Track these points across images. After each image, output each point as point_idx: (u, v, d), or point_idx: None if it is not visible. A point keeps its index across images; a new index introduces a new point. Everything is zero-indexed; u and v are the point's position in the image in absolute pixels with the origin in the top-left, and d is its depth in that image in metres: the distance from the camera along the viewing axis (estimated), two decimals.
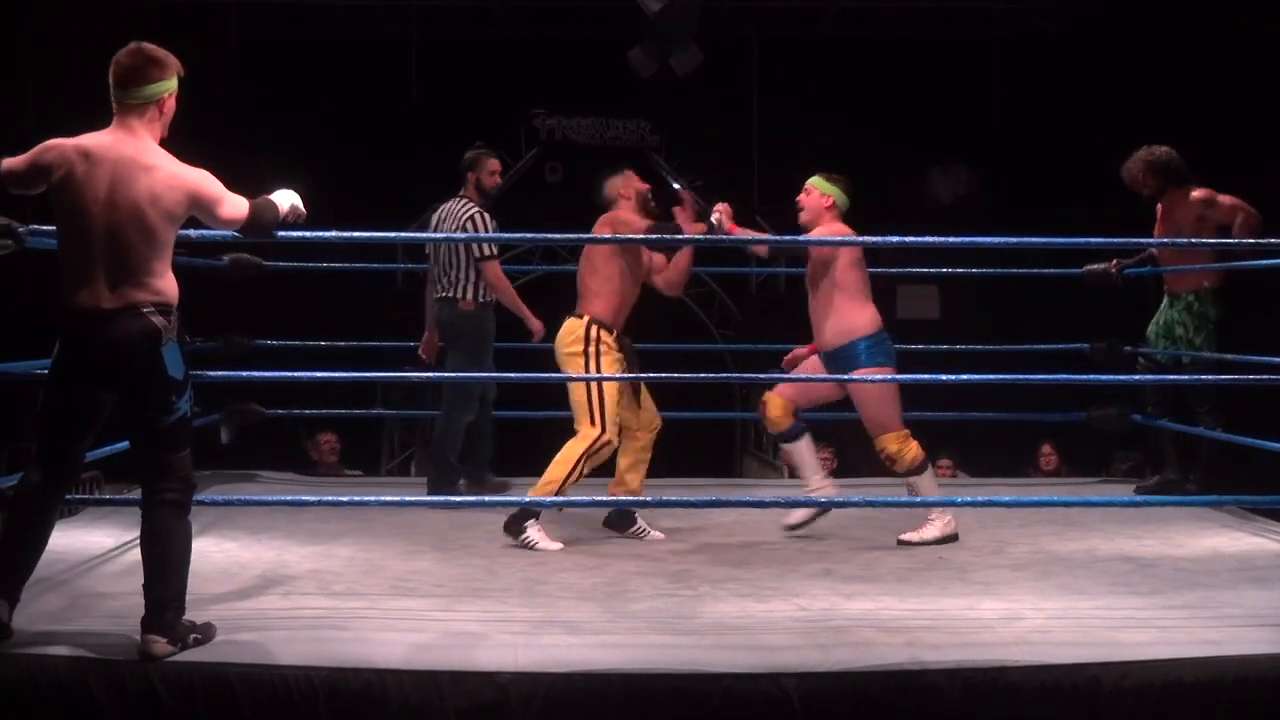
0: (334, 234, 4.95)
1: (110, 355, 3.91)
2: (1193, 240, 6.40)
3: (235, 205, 4.13)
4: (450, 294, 6.68)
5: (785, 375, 6.13)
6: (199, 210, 4.03)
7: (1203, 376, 6.45)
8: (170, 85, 4.03)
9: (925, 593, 4.79)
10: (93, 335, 3.90)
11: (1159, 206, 6.80)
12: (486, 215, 6.71)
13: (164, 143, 4.08)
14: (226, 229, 4.21)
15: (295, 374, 5.67)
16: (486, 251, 6.63)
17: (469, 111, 12.66)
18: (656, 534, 5.87)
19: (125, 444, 4.31)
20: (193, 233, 4.59)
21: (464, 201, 6.77)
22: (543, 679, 3.88)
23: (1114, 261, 7.00)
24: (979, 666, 3.96)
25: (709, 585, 4.89)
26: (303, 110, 12.46)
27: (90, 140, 3.97)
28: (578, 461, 5.64)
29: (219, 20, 12.42)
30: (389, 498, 6.12)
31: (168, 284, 3.98)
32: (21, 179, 4.01)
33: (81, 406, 3.99)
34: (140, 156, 3.94)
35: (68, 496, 4.71)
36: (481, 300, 6.69)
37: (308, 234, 4.83)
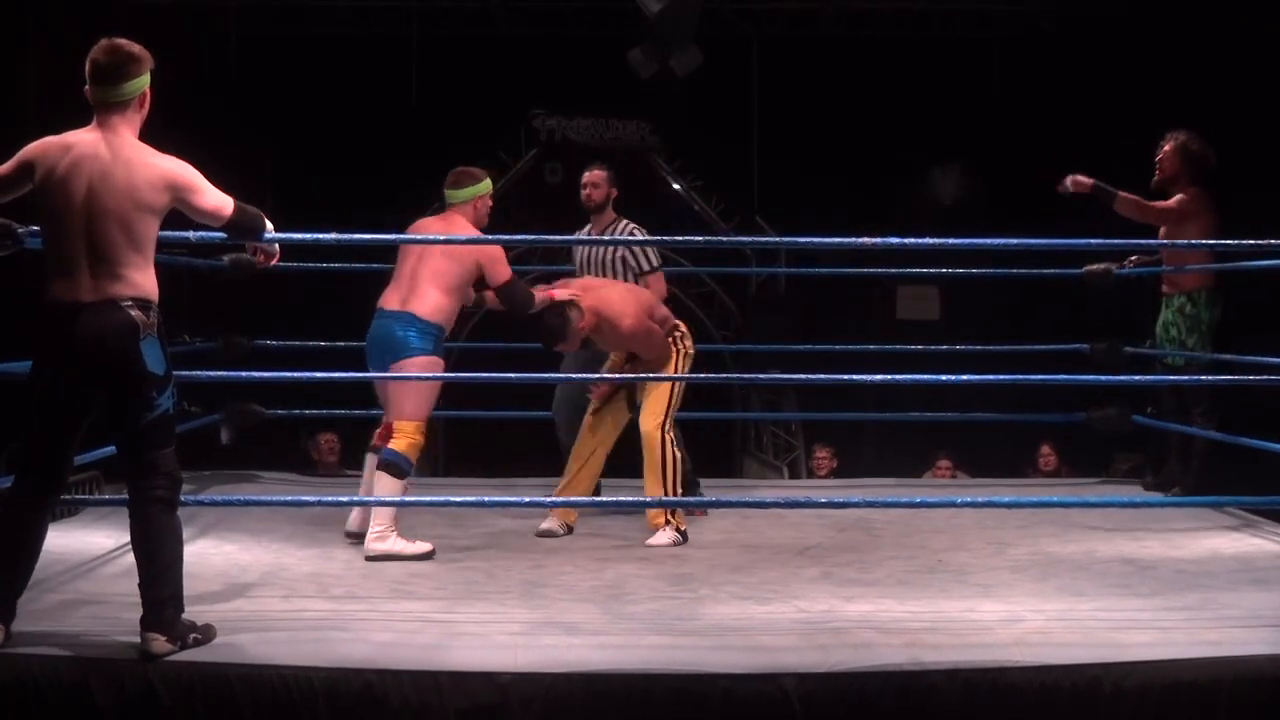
0: (334, 236, 4.95)
1: (88, 348, 3.91)
2: (1187, 242, 6.35)
3: (216, 197, 4.15)
4: None
5: (786, 377, 6.13)
6: (179, 200, 4.04)
7: (1196, 378, 6.43)
8: (147, 79, 4.07)
9: (924, 594, 4.79)
10: (71, 328, 3.91)
11: (1168, 197, 6.73)
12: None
13: (160, 143, 4.10)
14: (209, 222, 4.21)
15: (295, 374, 5.68)
16: (654, 264, 6.59)
17: (469, 111, 12.65)
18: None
19: None
20: (192, 234, 4.60)
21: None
22: (542, 680, 3.89)
23: (1129, 259, 6.96)
24: (979, 668, 3.96)
25: (708, 587, 4.90)
26: (303, 110, 12.45)
27: (72, 138, 4.00)
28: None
29: (219, 20, 12.41)
30: (388, 499, 6.10)
31: (147, 280, 3.99)
32: (8, 184, 4.04)
33: (64, 404, 4.00)
34: (121, 152, 3.96)
35: (65, 498, 4.72)
36: None
37: (309, 236, 4.84)
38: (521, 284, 5.84)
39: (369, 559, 5.35)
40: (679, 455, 5.92)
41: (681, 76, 11.26)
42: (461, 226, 5.73)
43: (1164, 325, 6.75)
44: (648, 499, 5.84)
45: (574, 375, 6.51)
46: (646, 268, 6.55)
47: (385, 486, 5.45)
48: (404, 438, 5.49)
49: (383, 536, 5.40)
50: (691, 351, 6.11)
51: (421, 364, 5.48)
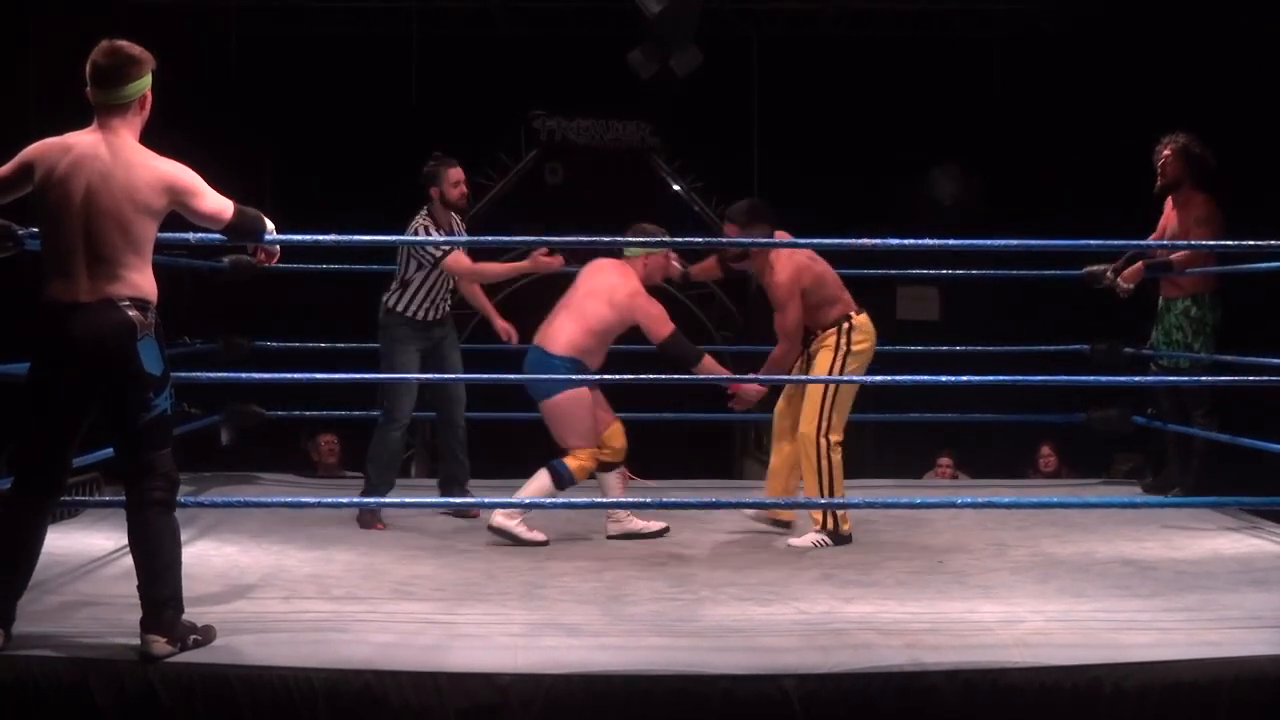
0: (333, 237, 4.95)
1: (85, 348, 3.91)
2: (1187, 243, 6.31)
3: (216, 201, 4.15)
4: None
5: (786, 377, 6.11)
6: (177, 203, 4.05)
7: (1197, 379, 6.41)
8: (148, 81, 4.07)
9: (925, 595, 4.79)
10: (69, 328, 3.91)
11: (1170, 201, 6.70)
12: (431, 226, 6.42)
13: (160, 143, 4.09)
14: (209, 225, 4.21)
15: (295, 375, 5.68)
16: (437, 254, 6.33)
17: (469, 111, 12.64)
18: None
19: None
20: (191, 236, 4.60)
21: (419, 214, 6.50)
22: (542, 681, 3.89)
23: (1115, 266, 6.90)
24: (979, 668, 3.96)
25: (709, 588, 4.90)
26: (303, 110, 12.45)
27: (73, 138, 4.01)
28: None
29: (219, 20, 12.41)
30: (389, 500, 6.11)
31: (146, 280, 3.99)
32: (9, 184, 4.04)
33: (62, 405, 3.99)
34: (120, 154, 3.96)
35: (64, 500, 4.71)
36: (391, 308, 6.42)
37: (308, 238, 4.84)
38: (683, 338, 5.94)
39: (489, 528, 5.72)
40: (836, 460, 5.80)
41: (681, 76, 11.25)
42: (628, 276, 5.93)
43: (1166, 330, 6.71)
44: (648, 500, 5.84)
45: (581, 377, 6.48)
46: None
47: (539, 482, 5.77)
48: (574, 461, 5.82)
49: (511, 515, 5.73)
50: (861, 350, 5.93)
51: (562, 400, 5.79)
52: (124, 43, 4.04)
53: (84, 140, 3.99)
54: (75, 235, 3.92)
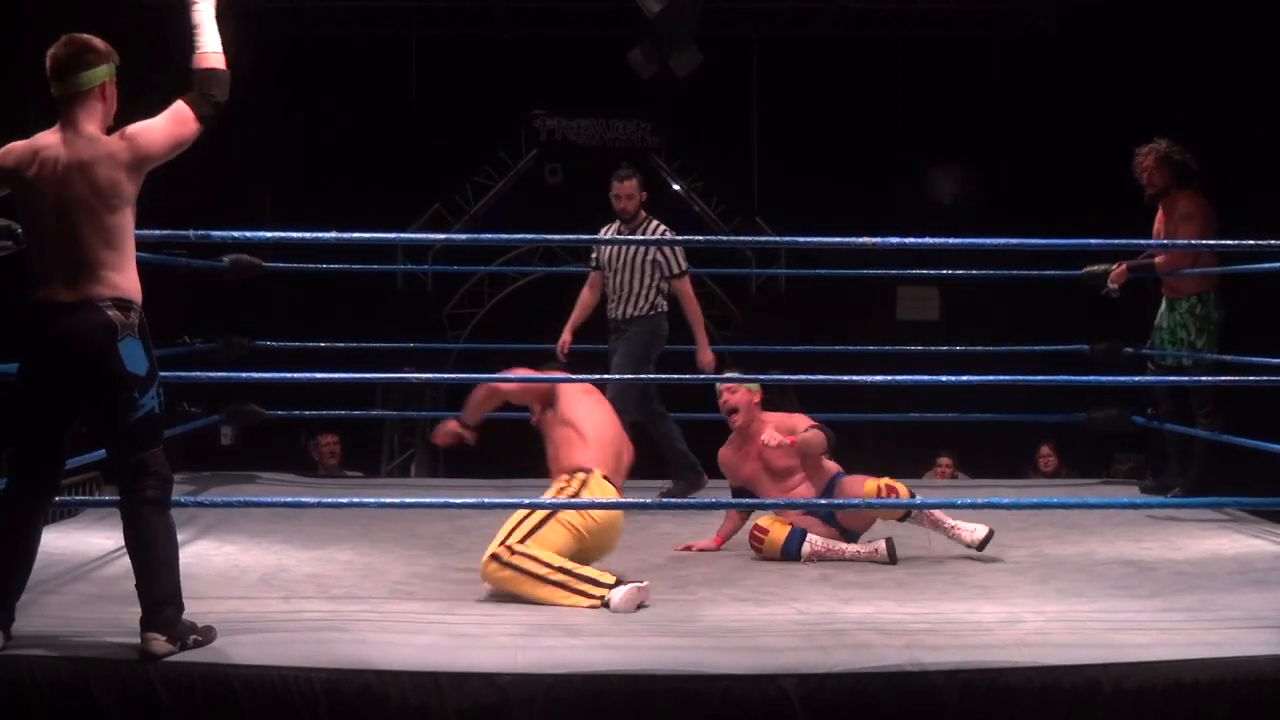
0: (333, 235, 4.95)
1: (67, 349, 3.90)
2: (1187, 243, 6.33)
3: (171, 119, 4.01)
4: None
5: (786, 377, 6.11)
6: (142, 156, 3.95)
7: (1203, 378, 6.41)
8: (106, 71, 4.02)
9: (924, 596, 4.79)
10: (51, 329, 3.90)
11: (1160, 207, 6.73)
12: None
13: None
14: (187, 137, 4.04)
15: (296, 375, 5.68)
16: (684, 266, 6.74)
17: (469, 111, 12.66)
18: None
19: None
20: (192, 233, 4.60)
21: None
22: (542, 680, 3.89)
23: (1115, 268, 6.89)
24: (978, 668, 3.96)
25: (708, 589, 4.90)
26: (303, 110, 12.45)
27: (40, 139, 3.98)
28: None
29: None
30: (389, 500, 6.11)
31: (127, 280, 3.96)
32: None
33: (49, 406, 3.98)
34: (83, 151, 3.92)
35: (63, 500, 4.71)
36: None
37: (308, 236, 4.84)
38: None
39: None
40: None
41: (681, 76, 11.26)
42: None
43: (1171, 329, 6.70)
44: (647, 501, 5.84)
45: (579, 376, 6.48)
46: (677, 270, 6.57)
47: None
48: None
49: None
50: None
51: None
52: (81, 35, 4.00)
53: (49, 140, 3.96)
54: (50, 237, 3.90)
